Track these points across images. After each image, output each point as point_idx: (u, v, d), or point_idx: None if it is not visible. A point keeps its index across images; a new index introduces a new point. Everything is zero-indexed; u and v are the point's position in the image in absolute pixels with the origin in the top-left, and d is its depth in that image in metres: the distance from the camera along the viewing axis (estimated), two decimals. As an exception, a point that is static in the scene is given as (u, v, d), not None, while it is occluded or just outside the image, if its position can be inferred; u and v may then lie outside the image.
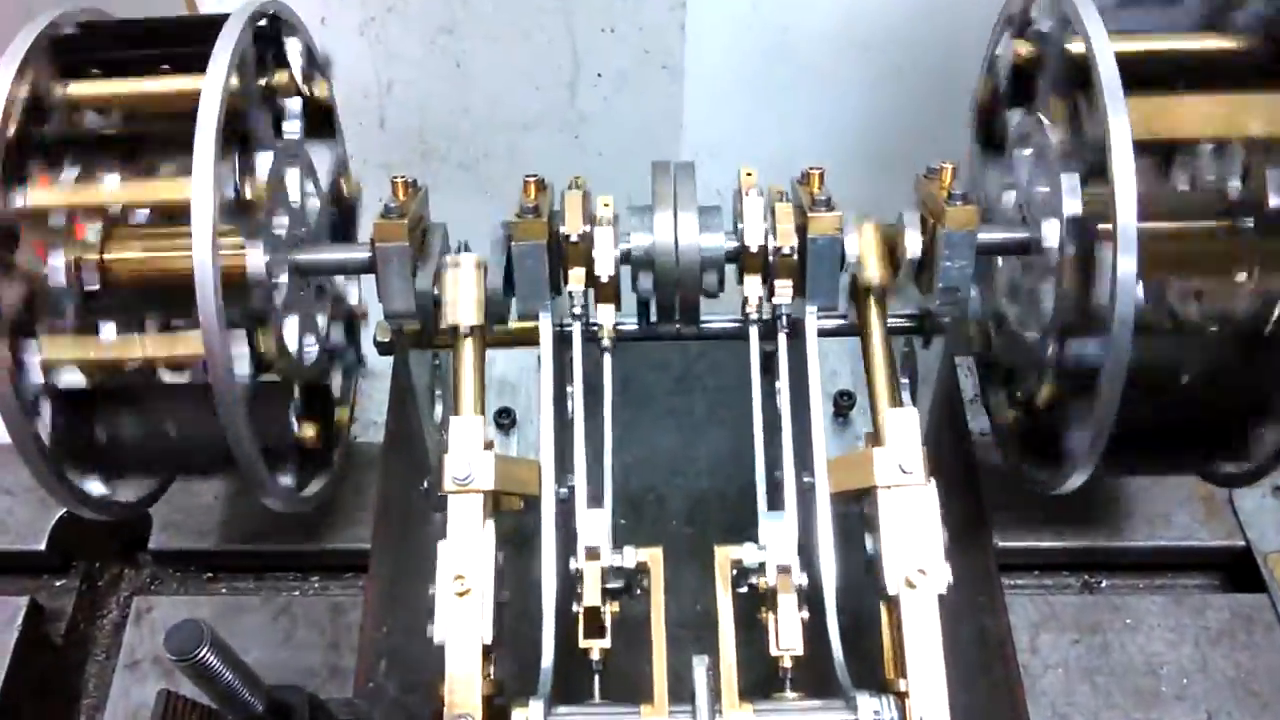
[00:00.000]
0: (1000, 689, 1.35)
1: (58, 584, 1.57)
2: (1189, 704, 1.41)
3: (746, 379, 1.22)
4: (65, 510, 1.49)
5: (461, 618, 1.06)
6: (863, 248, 1.27)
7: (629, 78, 1.70)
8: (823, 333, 1.26)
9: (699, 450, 1.58)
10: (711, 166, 1.89)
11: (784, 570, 1.08)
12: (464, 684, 1.04)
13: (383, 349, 1.37)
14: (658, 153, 1.83)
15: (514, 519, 1.21)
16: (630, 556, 1.09)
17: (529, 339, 1.27)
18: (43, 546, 1.54)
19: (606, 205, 1.27)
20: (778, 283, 1.24)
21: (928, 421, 1.35)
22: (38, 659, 1.47)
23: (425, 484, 1.43)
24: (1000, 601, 1.41)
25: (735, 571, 1.09)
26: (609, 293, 1.25)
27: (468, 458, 1.12)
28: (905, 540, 1.07)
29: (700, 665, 0.99)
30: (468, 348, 1.23)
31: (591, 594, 1.07)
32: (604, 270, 1.23)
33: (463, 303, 1.23)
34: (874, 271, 1.28)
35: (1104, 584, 1.56)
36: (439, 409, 1.45)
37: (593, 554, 1.07)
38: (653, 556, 1.10)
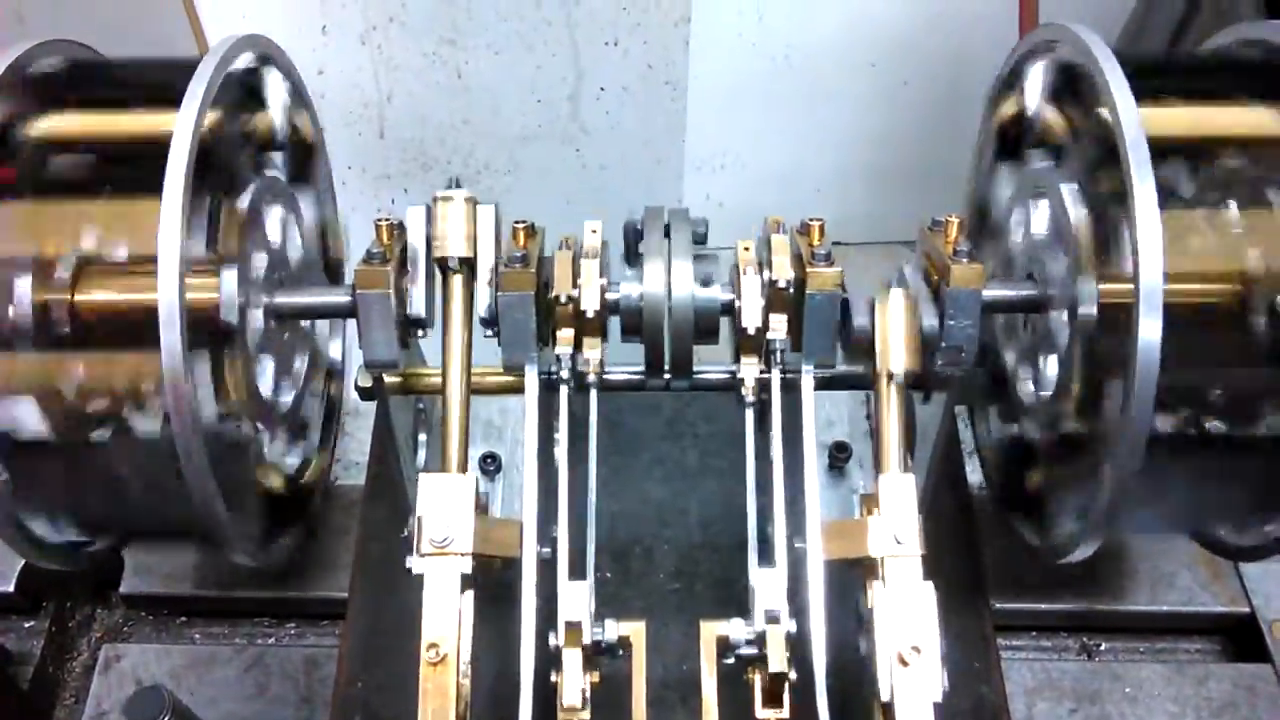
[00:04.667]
0: (995, 760, 1.31)
1: (26, 626, 1.52)
2: (1188, 779, 1.36)
3: (740, 434, 1.18)
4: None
5: (435, 686, 1.01)
6: (888, 327, 1.13)
7: (632, 92, 1.68)
8: (820, 385, 1.21)
9: (689, 501, 1.52)
10: (713, 182, 1.86)
11: (773, 619, 1.03)
12: (436, 754, 1.00)
13: (364, 395, 1.32)
14: (659, 168, 1.81)
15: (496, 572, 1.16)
16: (612, 630, 1.05)
17: (514, 388, 1.22)
18: (11, 588, 1.48)
19: (594, 232, 1.19)
20: (773, 317, 1.17)
21: (926, 478, 1.30)
22: (3, 705, 1.42)
23: (406, 531, 1.38)
24: (997, 668, 1.36)
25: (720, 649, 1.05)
26: (594, 328, 1.18)
27: (446, 519, 1.08)
28: (898, 616, 1.03)
29: (681, 750, 0.95)
30: (456, 290, 1.16)
31: (572, 692, 1.02)
32: (589, 305, 1.16)
33: (451, 236, 1.16)
34: (900, 359, 1.13)
35: (1103, 647, 1.52)
36: (422, 455, 1.41)
37: (573, 633, 1.02)
38: (635, 632, 1.05)
